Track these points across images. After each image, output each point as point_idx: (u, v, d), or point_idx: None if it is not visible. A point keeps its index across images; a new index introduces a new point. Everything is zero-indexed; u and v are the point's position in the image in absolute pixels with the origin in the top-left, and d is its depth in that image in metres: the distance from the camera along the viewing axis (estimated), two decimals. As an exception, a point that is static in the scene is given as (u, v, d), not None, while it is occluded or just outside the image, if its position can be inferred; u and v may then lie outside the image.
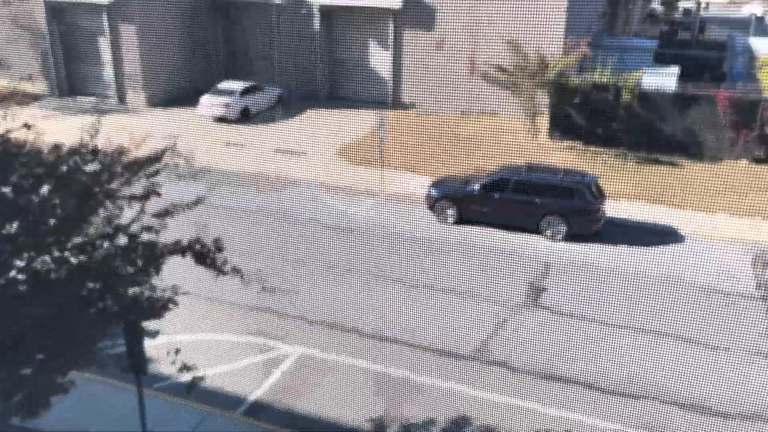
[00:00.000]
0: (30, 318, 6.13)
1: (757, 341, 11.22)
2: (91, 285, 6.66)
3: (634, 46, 23.63)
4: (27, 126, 6.79)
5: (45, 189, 6.48)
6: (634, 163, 18.74)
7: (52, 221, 6.48)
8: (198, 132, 20.87)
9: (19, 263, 6.13)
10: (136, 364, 7.53)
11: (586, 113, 19.79)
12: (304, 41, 25.05)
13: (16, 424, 6.84)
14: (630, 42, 24.56)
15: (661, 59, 23.01)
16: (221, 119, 22.40)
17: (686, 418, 9.55)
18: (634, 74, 19.32)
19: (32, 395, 6.48)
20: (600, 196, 14.76)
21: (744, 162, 18.69)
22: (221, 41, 26.57)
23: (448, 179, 15.99)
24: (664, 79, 19.92)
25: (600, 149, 19.41)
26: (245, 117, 22.80)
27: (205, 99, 22.45)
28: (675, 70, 20.92)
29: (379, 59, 24.67)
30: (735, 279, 13.18)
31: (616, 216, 15.28)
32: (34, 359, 6.42)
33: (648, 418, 9.51)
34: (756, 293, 12.74)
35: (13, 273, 6.11)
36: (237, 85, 23.05)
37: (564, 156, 18.83)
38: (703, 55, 23.89)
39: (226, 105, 22.30)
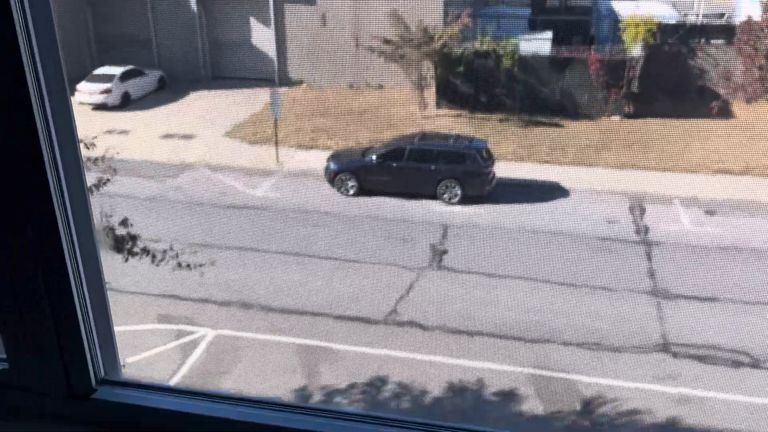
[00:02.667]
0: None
1: (638, 280, 12.30)
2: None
3: (510, 14, 24.60)
4: None
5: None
6: (518, 126, 19.69)
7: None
8: (79, 121, 19.89)
9: None
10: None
11: (471, 82, 20.55)
12: (181, 22, 24.31)
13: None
14: (505, 10, 25.54)
15: (535, 25, 24.11)
16: (101, 106, 21.46)
17: (580, 354, 10.39)
18: (512, 41, 20.21)
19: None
20: (490, 159, 15.49)
21: (617, 118, 20.09)
22: (91, 26, 25.26)
23: (346, 152, 16.25)
24: (540, 44, 20.97)
25: (486, 115, 20.23)
26: (126, 103, 21.96)
27: (83, 86, 21.40)
28: (548, 35, 22.03)
29: (261, 36, 24.34)
30: (616, 226, 14.30)
31: (505, 176, 16.08)
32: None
33: (547, 358, 10.27)
34: (635, 237, 13.89)
35: None
36: (115, 71, 22.12)
37: (453, 124, 19.50)
38: (572, 20, 25.21)
39: (106, 91, 21.40)
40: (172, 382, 9.53)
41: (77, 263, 1.93)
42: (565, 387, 9.87)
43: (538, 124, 19.94)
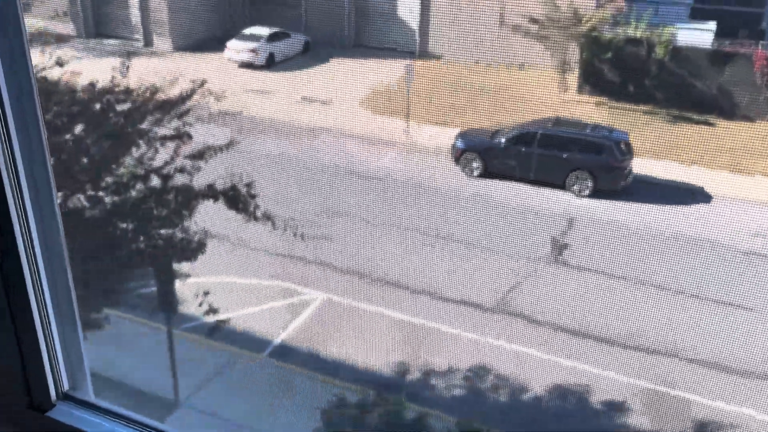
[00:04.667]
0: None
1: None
2: (123, 225, 6.76)
3: (670, 0, 22.94)
4: (60, 63, 6.81)
5: (79, 128, 6.54)
6: (665, 121, 18.41)
7: (84, 160, 6.55)
8: (225, 77, 20.81)
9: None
10: (166, 305, 7.71)
11: (618, 69, 19.40)
12: (330, -13, 24.66)
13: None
14: (666, -5, 23.84)
15: (697, 15, 22.33)
16: (247, 65, 22.28)
17: (703, 373, 9.62)
18: (669, 29, 18.83)
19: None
20: (628, 152, 14.61)
21: (778, 123, 18.29)
22: (246, -14, 26.19)
23: (475, 132, 15.91)
24: (700, 35, 19.40)
25: (630, 106, 19.06)
26: (270, 63, 22.65)
27: (232, 44, 22.29)
28: (712, 26, 20.33)
29: (407, 7, 24.21)
30: (763, 240, 13.06)
31: (643, 173, 15.12)
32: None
33: (665, 373, 9.59)
34: (783, 255, 12.64)
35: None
36: (263, 31, 22.84)
37: (593, 111, 18.55)
38: (741, 11, 23.12)
39: (253, 51, 22.15)
40: (279, 339, 9.79)
41: (38, 275, 1.82)
42: (680, 406, 9.20)
43: (687, 120, 18.51)
